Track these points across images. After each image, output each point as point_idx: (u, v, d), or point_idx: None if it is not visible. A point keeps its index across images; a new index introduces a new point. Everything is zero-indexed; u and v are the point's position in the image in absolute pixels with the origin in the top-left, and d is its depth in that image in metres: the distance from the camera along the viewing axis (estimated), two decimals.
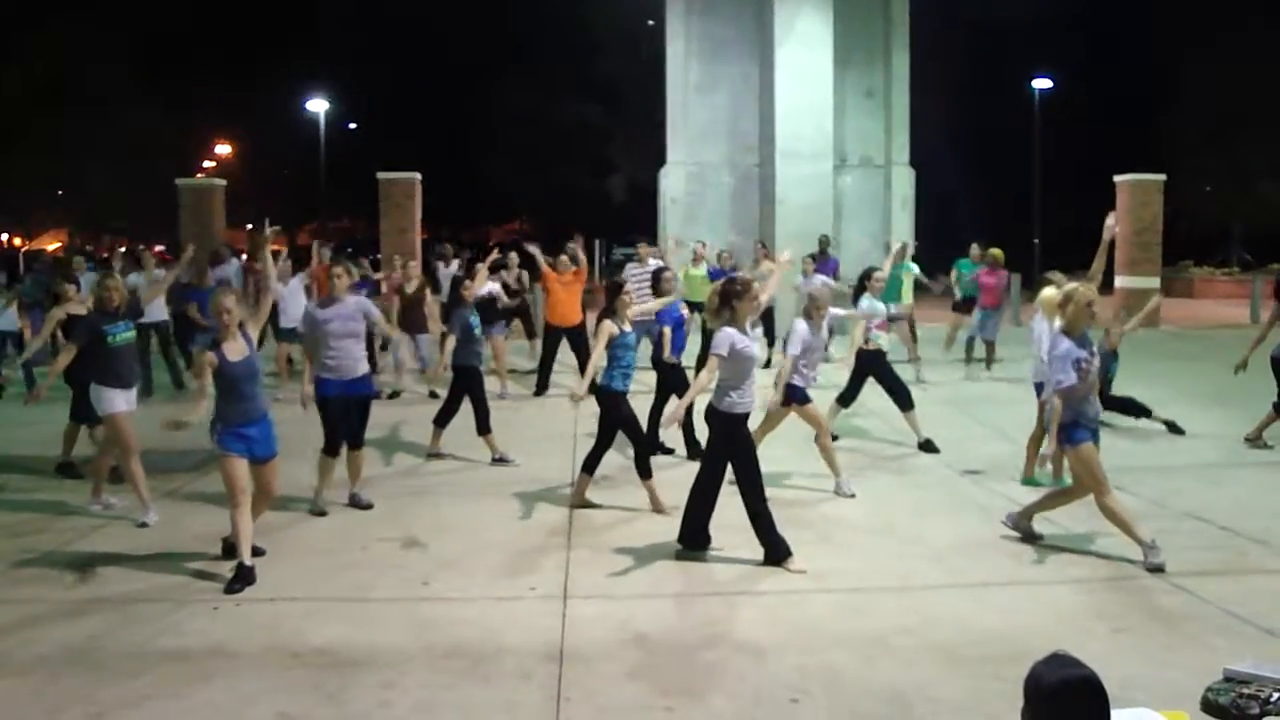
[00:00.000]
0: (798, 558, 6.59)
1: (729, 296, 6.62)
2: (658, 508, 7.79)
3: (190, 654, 5.32)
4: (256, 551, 6.63)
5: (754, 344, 6.70)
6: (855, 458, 9.30)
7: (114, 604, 6.03)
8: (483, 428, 9.51)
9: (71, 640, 5.49)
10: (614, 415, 7.90)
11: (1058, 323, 7.00)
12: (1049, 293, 8.34)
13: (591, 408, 8.33)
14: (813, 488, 8.47)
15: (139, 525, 7.59)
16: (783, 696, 4.83)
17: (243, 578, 6.27)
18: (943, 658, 5.23)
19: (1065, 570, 6.56)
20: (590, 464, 8.04)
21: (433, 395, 12.65)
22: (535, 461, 9.49)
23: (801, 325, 8.36)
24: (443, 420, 9.74)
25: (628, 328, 7.94)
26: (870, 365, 9.78)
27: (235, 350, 6.51)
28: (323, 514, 7.91)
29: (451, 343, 9.31)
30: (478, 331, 9.55)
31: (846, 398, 10.00)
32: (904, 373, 13.58)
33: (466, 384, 9.49)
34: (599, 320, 8.02)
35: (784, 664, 5.17)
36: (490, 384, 10.36)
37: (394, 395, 12.87)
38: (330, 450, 7.96)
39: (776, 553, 6.62)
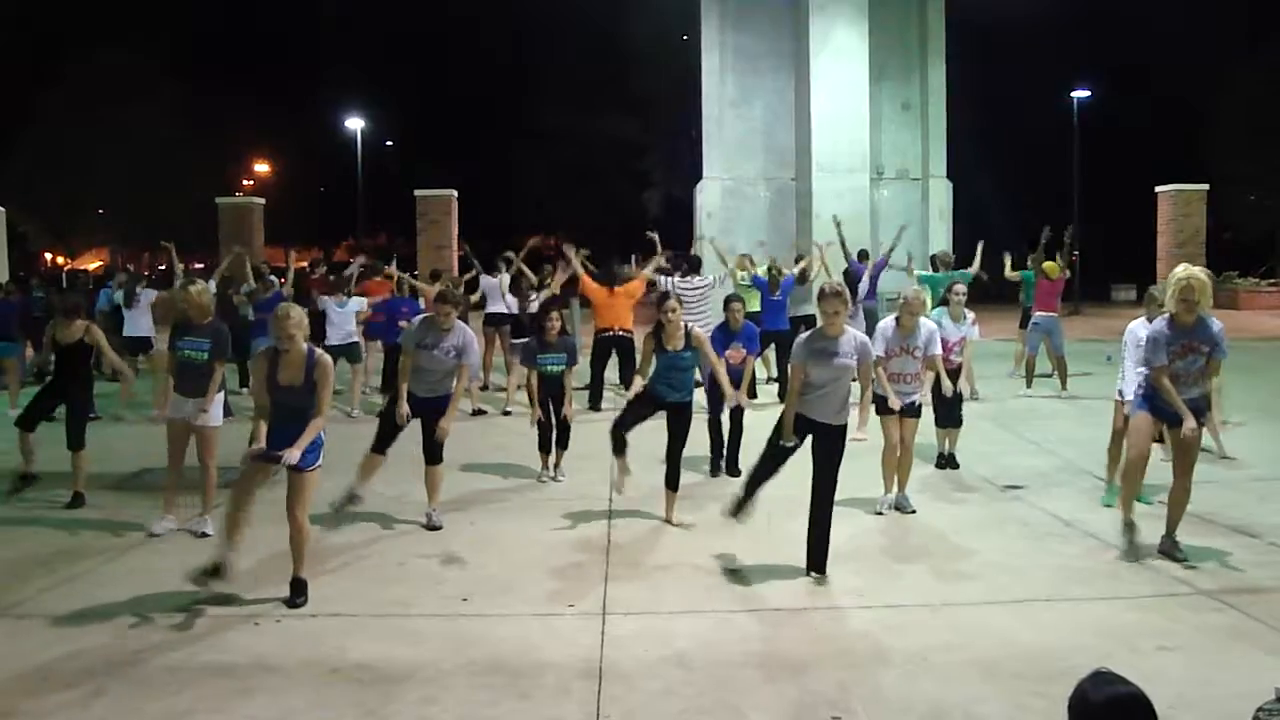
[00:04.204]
0: (809, 579, 6.66)
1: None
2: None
3: (232, 669, 5.35)
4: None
5: (828, 356, 6.58)
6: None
7: (156, 618, 6.07)
8: (561, 443, 9.62)
9: (115, 654, 5.53)
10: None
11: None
12: None
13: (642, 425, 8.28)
14: (856, 503, 8.39)
15: (149, 535, 7.68)
16: (824, 714, 4.80)
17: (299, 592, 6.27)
18: (985, 674, 5.18)
19: (1109, 587, 6.47)
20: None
21: (477, 413, 12.67)
22: (574, 478, 9.51)
23: (889, 323, 8.23)
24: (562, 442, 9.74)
25: (674, 346, 7.92)
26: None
27: (288, 375, 6.24)
28: (355, 499, 7.85)
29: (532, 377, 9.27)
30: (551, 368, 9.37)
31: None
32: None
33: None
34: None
35: (825, 681, 5.14)
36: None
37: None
38: (376, 449, 7.94)
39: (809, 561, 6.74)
